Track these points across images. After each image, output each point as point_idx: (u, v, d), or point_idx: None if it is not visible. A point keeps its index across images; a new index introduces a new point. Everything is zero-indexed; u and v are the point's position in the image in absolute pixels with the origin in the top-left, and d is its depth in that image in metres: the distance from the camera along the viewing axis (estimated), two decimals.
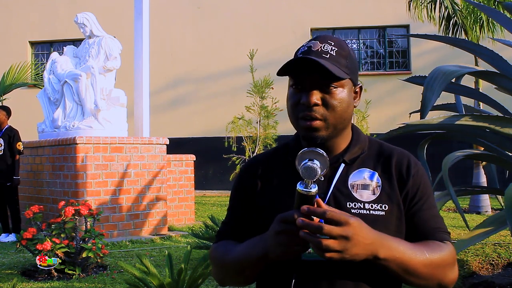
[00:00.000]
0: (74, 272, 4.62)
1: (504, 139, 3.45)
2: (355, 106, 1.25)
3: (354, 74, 1.22)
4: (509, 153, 3.62)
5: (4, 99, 10.36)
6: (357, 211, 1.17)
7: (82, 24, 7.34)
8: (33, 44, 14.97)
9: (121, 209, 6.56)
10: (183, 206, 7.87)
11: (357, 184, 1.22)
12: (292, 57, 1.22)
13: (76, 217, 4.74)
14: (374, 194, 1.21)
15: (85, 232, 4.75)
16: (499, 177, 4.39)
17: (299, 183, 1.04)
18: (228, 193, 12.36)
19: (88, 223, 4.88)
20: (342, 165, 1.23)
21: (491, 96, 3.92)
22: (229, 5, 13.82)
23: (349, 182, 1.22)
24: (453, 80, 3.57)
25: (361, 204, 1.19)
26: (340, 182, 1.21)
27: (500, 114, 3.53)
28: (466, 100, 4.19)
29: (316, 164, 1.04)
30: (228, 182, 11.16)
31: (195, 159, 8.09)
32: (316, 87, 1.17)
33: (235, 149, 9.60)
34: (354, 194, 1.20)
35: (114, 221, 6.47)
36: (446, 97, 3.90)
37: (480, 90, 6.10)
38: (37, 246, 4.40)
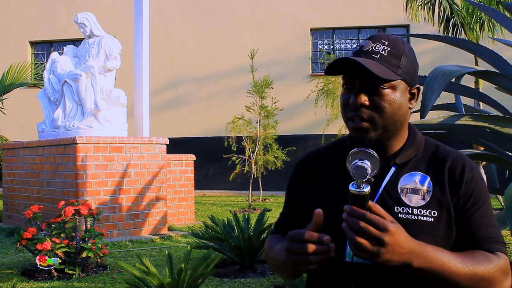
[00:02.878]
0: (74, 272, 4.62)
1: (504, 139, 3.45)
2: (410, 108, 1.21)
3: (409, 74, 1.19)
4: (509, 153, 3.61)
5: (4, 99, 10.36)
6: (404, 216, 1.15)
7: (82, 24, 7.34)
8: (33, 44, 14.96)
9: (121, 209, 6.56)
10: (183, 206, 7.87)
11: (407, 188, 1.18)
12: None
13: (76, 217, 4.74)
14: (423, 199, 1.17)
15: (85, 232, 4.75)
16: (499, 177, 4.38)
17: (351, 183, 1.03)
18: (228, 192, 12.38)
19: (88, 223, 4.88)
20: (393, 168, 1.20)
21: (491, 96, 3.92)
22: (229, 5, 13.82)
23: (399, 186, 1.18)
24: (453, 80, 3.57)
25: (409, 209, 1.16)
26: (389, 185, 1.19)
27: (500, 114, 3.53)
28: (466, 100, 4.18)
29: (367, 163, 1.02)
30: (228, 182, 11.17)
31: (195, 159, 8.09)
32: (365, 88, 1.16)
33: (235, 149, 9.61)
34: (403, 198, 1.17)
35: (114, 221, 6.47)
36: (446, 97, 3.90)
37: (480, 90, 6.09)
38: (37, 246, 4.39)
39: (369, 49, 1.16)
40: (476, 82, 8.03)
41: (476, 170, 1.21)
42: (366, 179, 1.02)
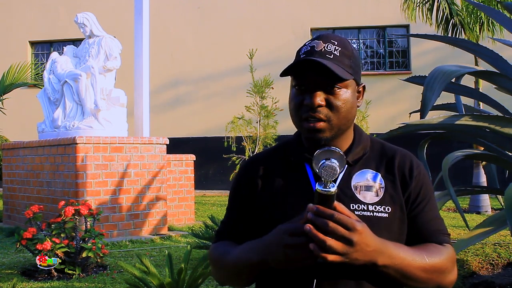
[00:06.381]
0: (74, 272, 4.63)
1: (504, 139, 3.45)
2: (358, 106, 1.24)
3: (358, 73, 1.21)
4: (509, 153, 3.61)
5: (4, 99, 10.36)
6: (360, 213, 1.16)
7: (82, 24, 7.34)
8: (33, 44, 14.96)
9: (121, 209, 6.56)
10: (183, 206, 7.87)
11: (360, 186, 1.20)
12: (293, 56, 1.22)
13: (76, 217, 4.74)
14: (377, 195, 1.19)
15: (85, 232, 4.75)
16: (499, 177, 4.38)
17: (317, 183, 1.03)
18: (228, 193, 12.41)
19: (88, 223, 4.88)
20: (345, 166, 1.21)
21: (491, 96, 3.92)
22: (229, 5, 13.82)
23: (352, 183, 1.20)
24: (453, 80, 3.57)
25: (364, 206, 1.18)
26: (343, 183, 1.20)
27: (500, 114, 3.53)
28: (466, 100, 4.18)
29: (335, 162, 1.03)
30: (228, 182, 11.16)
31: (195, 159, 8.09)
32: (320, 88, 1.16)
33: (235, 149, 9.60)
34: (358, 195, 1.19)
35: (114, 221, 6.47)
36: (446, 97, 3.90)
37: (480, 90, 6.10)
38: (37, 246, 4.40)
39: (321, 49, 1.15)
40: (476, 82, 8.03)
41: (422, 166, 1.26)
42: (335, 178, 1.02)
